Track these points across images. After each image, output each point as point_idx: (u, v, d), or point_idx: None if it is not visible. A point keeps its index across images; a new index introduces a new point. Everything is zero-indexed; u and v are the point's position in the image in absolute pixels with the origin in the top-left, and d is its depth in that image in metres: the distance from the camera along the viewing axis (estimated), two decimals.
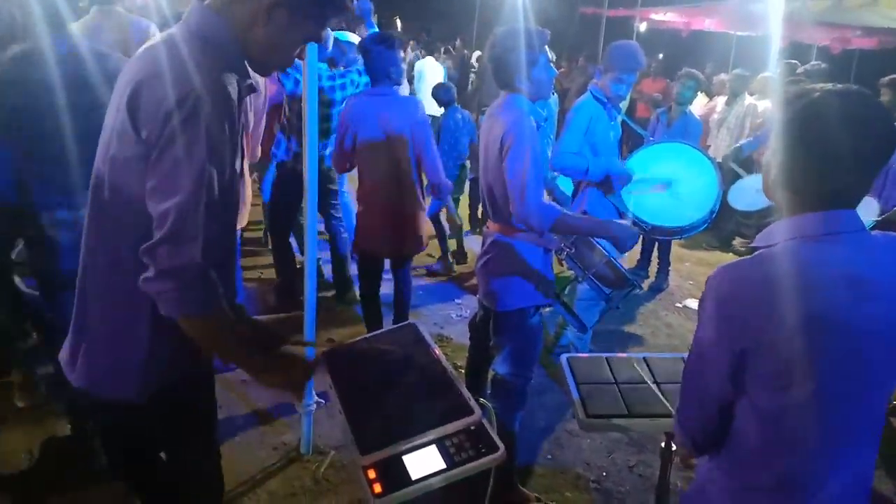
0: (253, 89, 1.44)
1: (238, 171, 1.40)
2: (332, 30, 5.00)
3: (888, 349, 1.16)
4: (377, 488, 1.47)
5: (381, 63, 3.25)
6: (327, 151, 3.94)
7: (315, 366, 1.60)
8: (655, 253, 5.53)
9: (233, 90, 1.29)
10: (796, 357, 1.12)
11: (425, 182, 3.48)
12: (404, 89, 6.65)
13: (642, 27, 12.53)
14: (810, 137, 1.13)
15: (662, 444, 1.93)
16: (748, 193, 4.01)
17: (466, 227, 6.06)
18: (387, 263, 3.66)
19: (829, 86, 1.15)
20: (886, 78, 5.26)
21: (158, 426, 1.48)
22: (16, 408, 2.94)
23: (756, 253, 1.21)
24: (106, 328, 1.40)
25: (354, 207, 3.76)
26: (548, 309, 4.12)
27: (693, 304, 5.13)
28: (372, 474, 1.50)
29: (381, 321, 3.66)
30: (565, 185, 3.81)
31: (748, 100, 6.57)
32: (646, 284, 5.46)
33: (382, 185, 3.35)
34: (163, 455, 1.57)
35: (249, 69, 1.40)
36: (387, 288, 3.68)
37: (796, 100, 1.16)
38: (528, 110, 2.36)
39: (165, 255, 1.21)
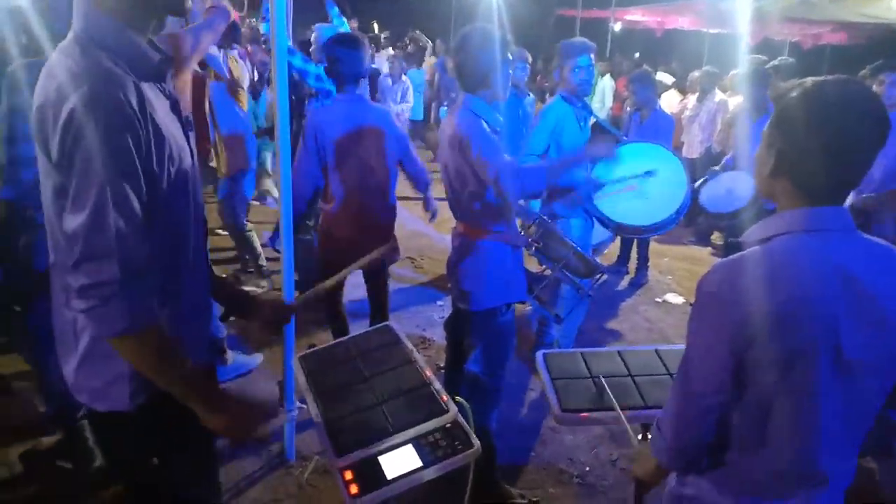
0: (168, 62, 1.38)
1: (181, 172, 1.36)
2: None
3: (875, 349, 1.17)
4: (353, 489, 1.49)
5: (350, 66, 3.03)
6: None
7: (269, 421, 1.54)
8: (634, 248, 5.59)
9: (128, 91, 1.23)
10: (793, 353, 1.14)
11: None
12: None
13: (617, 27, 12.65)
14: (815, 120, 1.13)
15: (640, 437, 1.95)
16: (719, 194, 4.01)
17: None
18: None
19: (830, 76, 1.18)
20: (867, 69, 5.24)
21: (154, 434, 1.46)
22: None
23: (749, 250, 1.20)
24: (79, 342, 1.38)
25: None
26: (528, 307, 4.15)
27: (672, 298, 5.19)
28: (348, 475, 1.52)
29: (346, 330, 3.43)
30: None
31: (719, 96, 6.67)
32: (625, 280, 5.52)
33: (362, 195, 3.12)
34: (156, 461, 1.55)
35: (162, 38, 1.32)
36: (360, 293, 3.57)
37: (799, 88, 1.17)
38: (480, 113, 2.37)
39: (83, 273, 1.21)
